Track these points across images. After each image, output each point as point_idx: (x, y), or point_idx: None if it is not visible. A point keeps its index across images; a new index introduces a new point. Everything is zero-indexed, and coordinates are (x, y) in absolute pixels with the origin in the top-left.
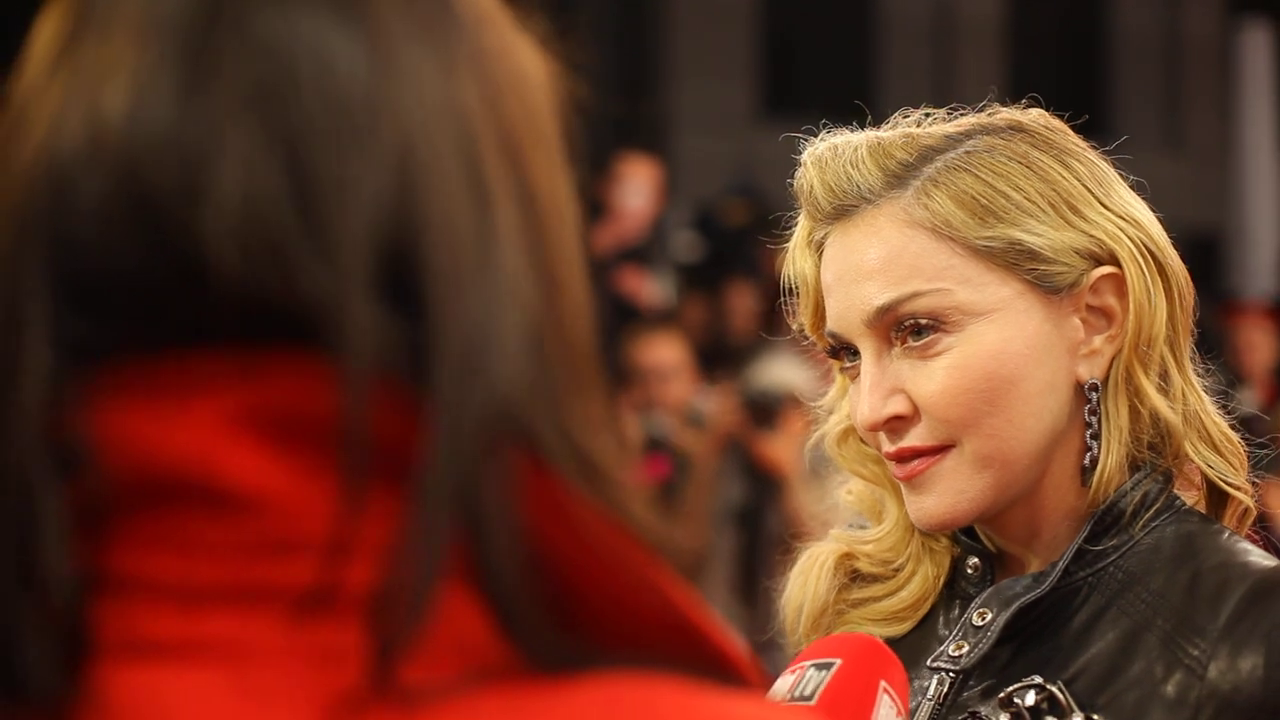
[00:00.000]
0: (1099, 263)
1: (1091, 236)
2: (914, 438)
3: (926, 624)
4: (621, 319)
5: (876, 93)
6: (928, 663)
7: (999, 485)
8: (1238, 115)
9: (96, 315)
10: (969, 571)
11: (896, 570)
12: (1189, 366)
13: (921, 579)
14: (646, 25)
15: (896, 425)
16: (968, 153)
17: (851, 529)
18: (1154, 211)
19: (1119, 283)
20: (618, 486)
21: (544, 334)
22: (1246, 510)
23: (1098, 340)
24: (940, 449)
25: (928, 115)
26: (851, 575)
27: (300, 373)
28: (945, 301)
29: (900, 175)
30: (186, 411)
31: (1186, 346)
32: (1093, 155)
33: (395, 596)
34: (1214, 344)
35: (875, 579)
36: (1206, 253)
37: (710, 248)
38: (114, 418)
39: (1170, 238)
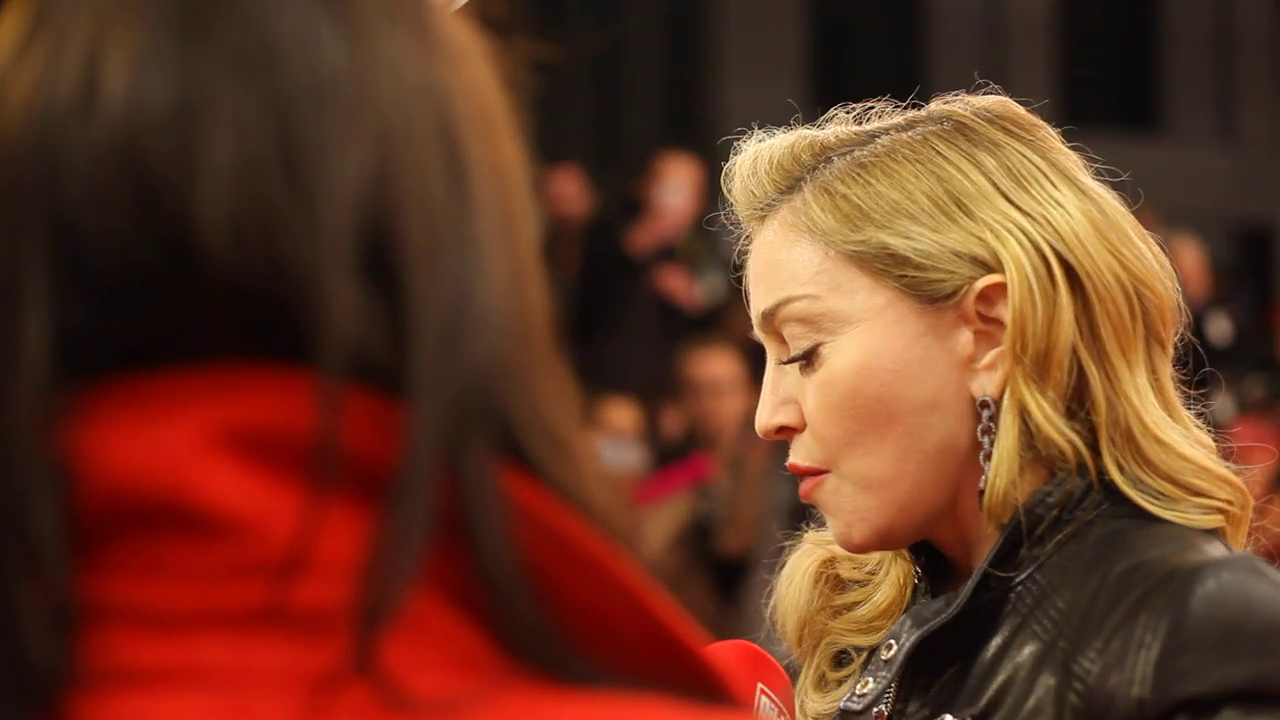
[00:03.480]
0: (989, 270)
1: (977, 238)
2: (798, 454)
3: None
4: (663, 319)
5: (926, 88)
6: (840, 703)
7: (889, 506)
8: None
9: (90, 293)
10: (916, 582)
11: (872, 574)
12: (1129, 378)
13: (889, 585)
14: (696, 24)
15: (788, 435)
16: (866, 153)
17: (824, 531)
18: (1204, 205)
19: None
20: (585, 468)
21: (516, 312)
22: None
23: (990, 355)
24: (819, 471)
25: (869, 110)
26: (834, 581)
27: (281, 389)
28: (815, 308)
29: (797, 179)
30: (164, 431)
31: (1126, 355)
32: (1032, 149)
33: (368, 609)
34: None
35: (856, 584)
36: (1259, 247)
37: None
38: (93, 436)
39: (1222, 231)
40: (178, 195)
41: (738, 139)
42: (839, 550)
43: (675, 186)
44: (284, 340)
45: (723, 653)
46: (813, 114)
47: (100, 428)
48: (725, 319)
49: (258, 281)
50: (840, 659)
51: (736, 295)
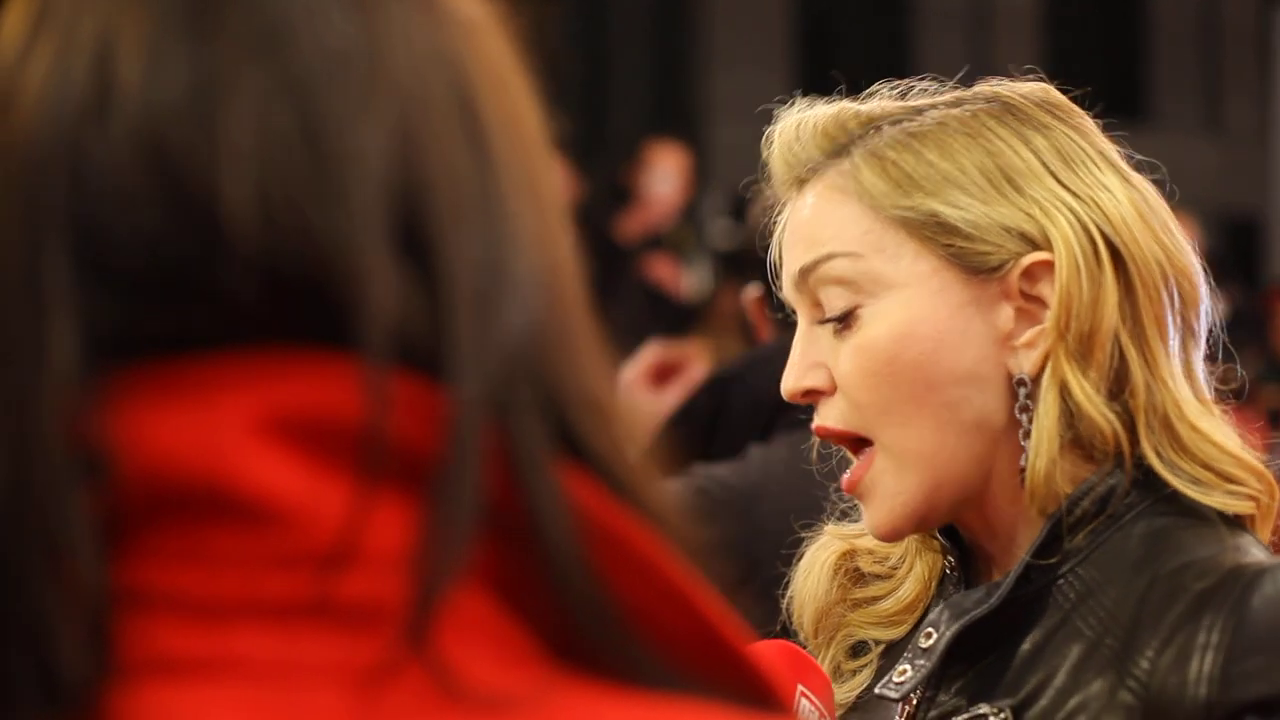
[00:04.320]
0: (1036, 248)
1: (1026, 214)
2: (829, 416)
3: (919, 629)
4: (650, 307)
5: (912, 78)
6: (875, 689)
7: (927, 485)
8: (1276, 98)
9: (121, 291)
10: (948, 572)
11: (895, 569)
12: (1166, 365)
13: (915, 579)
14: (683, 12)
15: (816, 399)
16: (916, 125)
17: (844, 523)
18: (1190, 195)
19: (1054, 270)
20: (624, 435)
21: (549, 277)
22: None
23: (1030, 333)
24: (851, 435)
25: (913, 89)
26: (853, 574)
27: (325, 374)
28: (858, 267)
29: (845, 146)
30: (209, 416)
31: (1164, 343)
32: (1078, 133)
33: (419, 600)
34: (1253, 328)
35: (877, 578)
36: (1246, 236)
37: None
38: (133, 422)
39: (1209, 221)
40: (203, 180)
41: (724, 127)
42: (859, 543)
43: (664, 174)
44: (323, 324)
45: (764, 652)
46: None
47: (141, 412)
48: (712, 308)
49: (293, 263)
50: (856, 649)
51: (723, 284)
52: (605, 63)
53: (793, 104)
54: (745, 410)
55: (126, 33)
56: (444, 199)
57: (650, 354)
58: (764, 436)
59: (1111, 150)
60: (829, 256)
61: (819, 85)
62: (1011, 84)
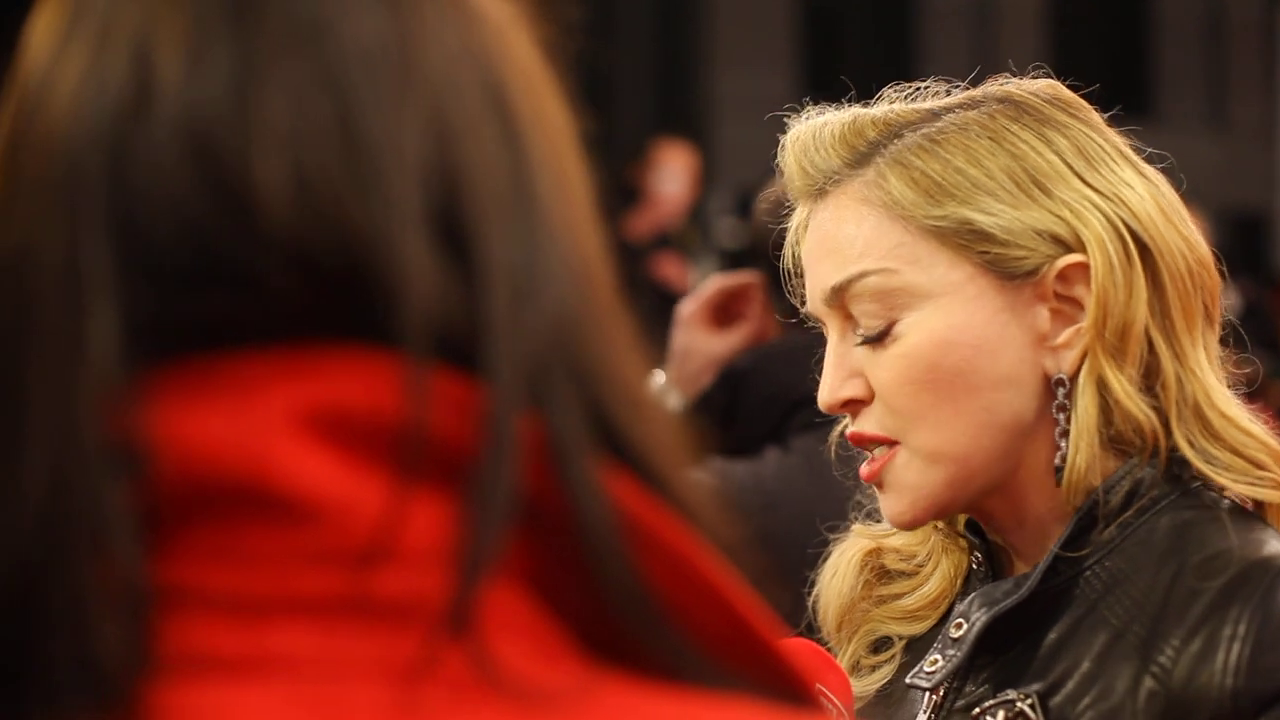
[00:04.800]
0: (1068, 249)
1: (1056, 216)
2: (866, 424)
3: (945, 622)
4: (658, 306)
5: (918, 76)
6: (906, 678)
7: (955, 481)
8: None
9: (162, 284)
10: (974, 567)
11: (920, 566)
12: (1194, 355)
13: (940, 576)
14: (687, 11)
15: (855, 409)
16: (936, 129)
17: (871, 523)
18: (1195, 192)
19: (1088, 271)
20: (660, 427)
21: (581, 266)
22: None
23: (1066, 333)
24: (889, 441)
25: (920, 91)
26: (879, 571)
27: (364, 369)
28: (892, 282)
29: (866, 154)
30: (247, 413)
31: (1190, 334)
32: (1093, 129)
33: (457, 596)
34: (1260, 324)
35: (901, 575)
36: (1251, 232)
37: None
38: (172, 418)
39: (1214, 218)
40: (240, 170)
41: (729, 126)
42: (886, 542)
43: (671, 174)
44: (363, 319)
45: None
46: (803, 103)
47: (180, 409)
48: None
49: (331, 253)
50: (877, 645)
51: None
52: (610, 61)
53: (803, 110)
54: (758, 405)
55: (165, 31)
56: (479, 191)
57: (711, 287)
58: (778, 434)
59: (1125, 145)
60: (861, 275)
61: (824, 83)
62: (1019, 82)
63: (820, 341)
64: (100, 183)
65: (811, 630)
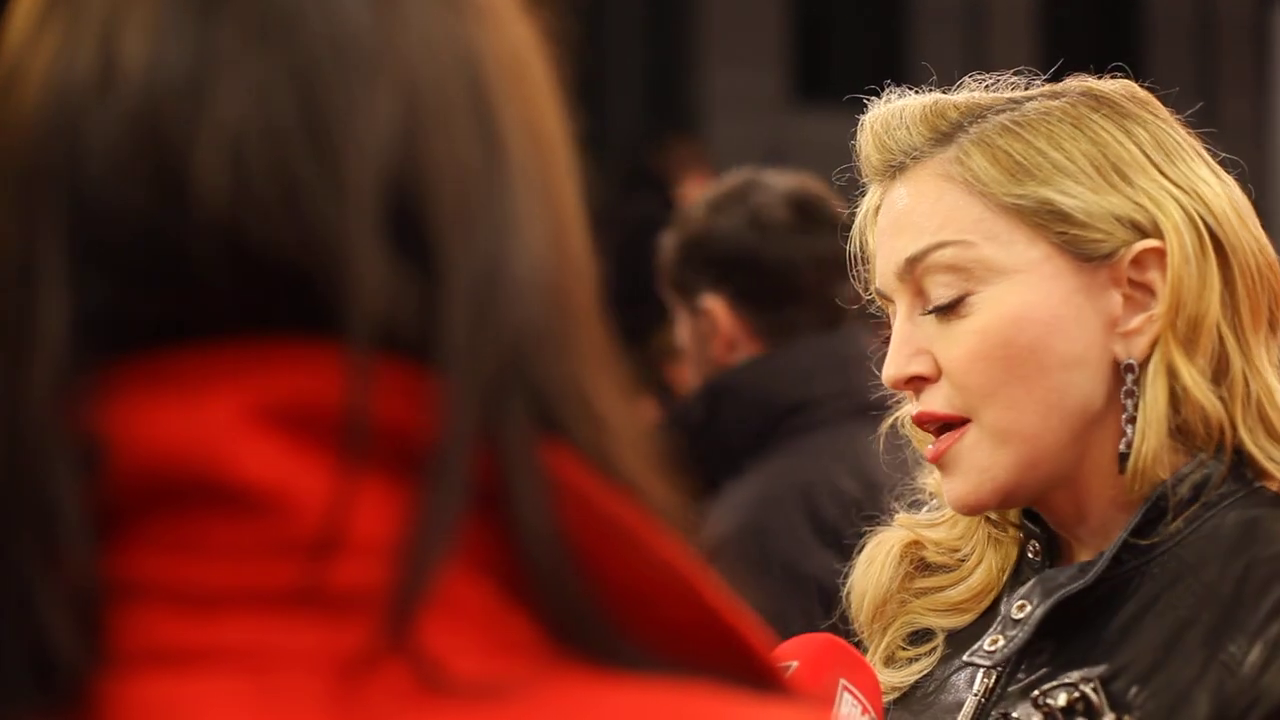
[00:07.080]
0: (1144, 236)
1: (1135, 204)
2: (933, 402)
3: (989, 615)
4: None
5: (908, 77)
6: (964, 656)
7: (1022, 463)
8: (1272, 97)
9: (111, 271)
10: (1030, 555)
11: (962, 560)
12: (1259, 355)
13: (985, 570)
14: (677, 11)
15: (920, 386)
16: (1020, 114)
17: (916, 513)
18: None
19: (1164, 258)
20: (626, 441)
21: (554, 278)
22: None
23: (1138, 319)
24: (958, 419)
25: (997, 81)
26: (918, 564)
27: (314, 363)
28: (969, 255)
29: (948, 134)
30: (199, 406)
31: (1257, 333)
32: (1170, 126)
33: (403, 588)
34: None
35: (942, 568)
36: None
37: None
38: (125, 413)
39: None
40: (180, 162)
41: (719, 125)
42: (927, 534)
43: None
44: (314, 314)
45: (807, 645)
46: (795, 101)
47: (132, 404)
48: None
49: (280, 250)
50: (915, 637)
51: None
52: (601, 60)
53: (885, 96)
54: (734, 421)
55: (134, 14)
56: (447, 195)
57: None
58: (758, 448)
59: (1199, 145)
60: (940, 245)
61: (815, 83)
62: (1093, 81)
63: (807, 351)
64: (59, 165)
65: (845, 624)
